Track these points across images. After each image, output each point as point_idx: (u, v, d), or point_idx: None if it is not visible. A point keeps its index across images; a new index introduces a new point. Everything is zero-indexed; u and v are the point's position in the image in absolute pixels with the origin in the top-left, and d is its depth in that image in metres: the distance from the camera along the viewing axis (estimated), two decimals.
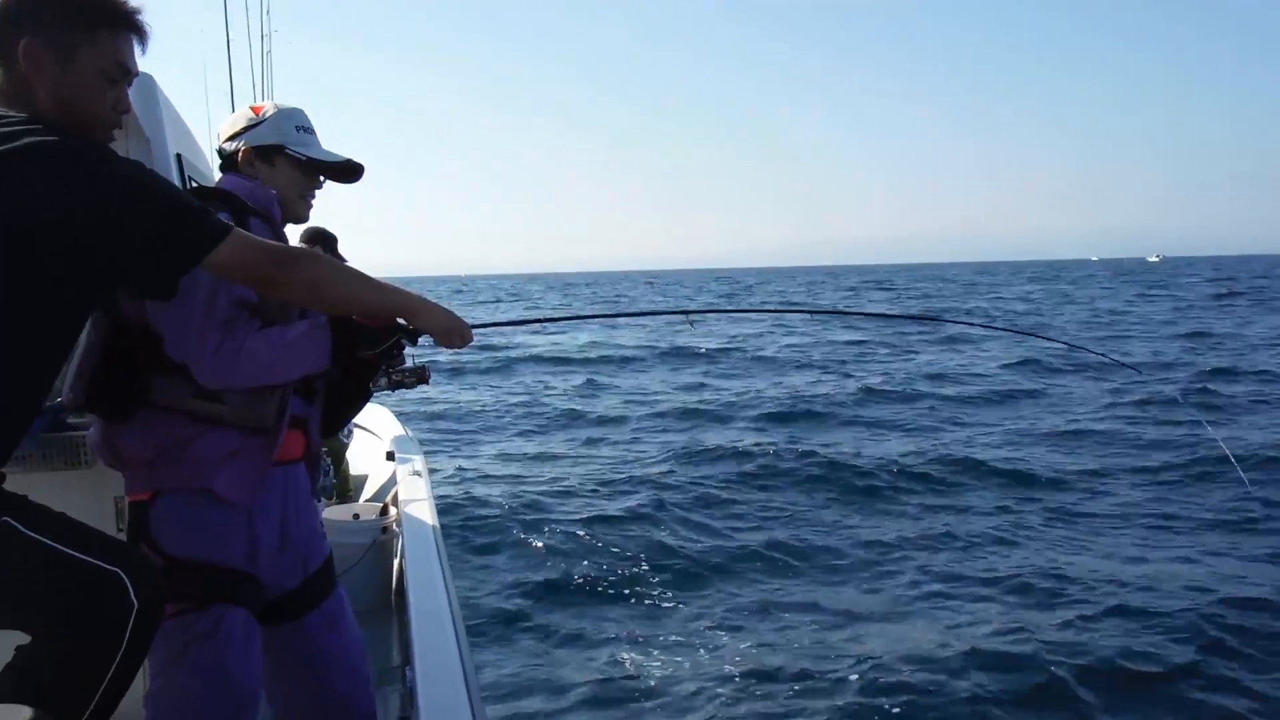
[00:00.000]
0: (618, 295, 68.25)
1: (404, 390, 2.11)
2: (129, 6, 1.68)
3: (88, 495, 2.35)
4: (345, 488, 5.08)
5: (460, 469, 10.02)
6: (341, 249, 4.54)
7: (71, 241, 1.50)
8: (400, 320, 1.97)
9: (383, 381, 2.03)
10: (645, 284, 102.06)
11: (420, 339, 2.01)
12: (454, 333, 1.96)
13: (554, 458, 11.06)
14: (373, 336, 1.97)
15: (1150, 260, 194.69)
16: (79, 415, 2.25)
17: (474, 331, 2.01)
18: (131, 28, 1.69)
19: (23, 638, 1.59)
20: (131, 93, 2.46)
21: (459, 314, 2.00)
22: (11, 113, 1.56)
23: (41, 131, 1.51)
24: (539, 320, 3.31)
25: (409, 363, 2.10)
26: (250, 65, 5.57)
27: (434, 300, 1.96)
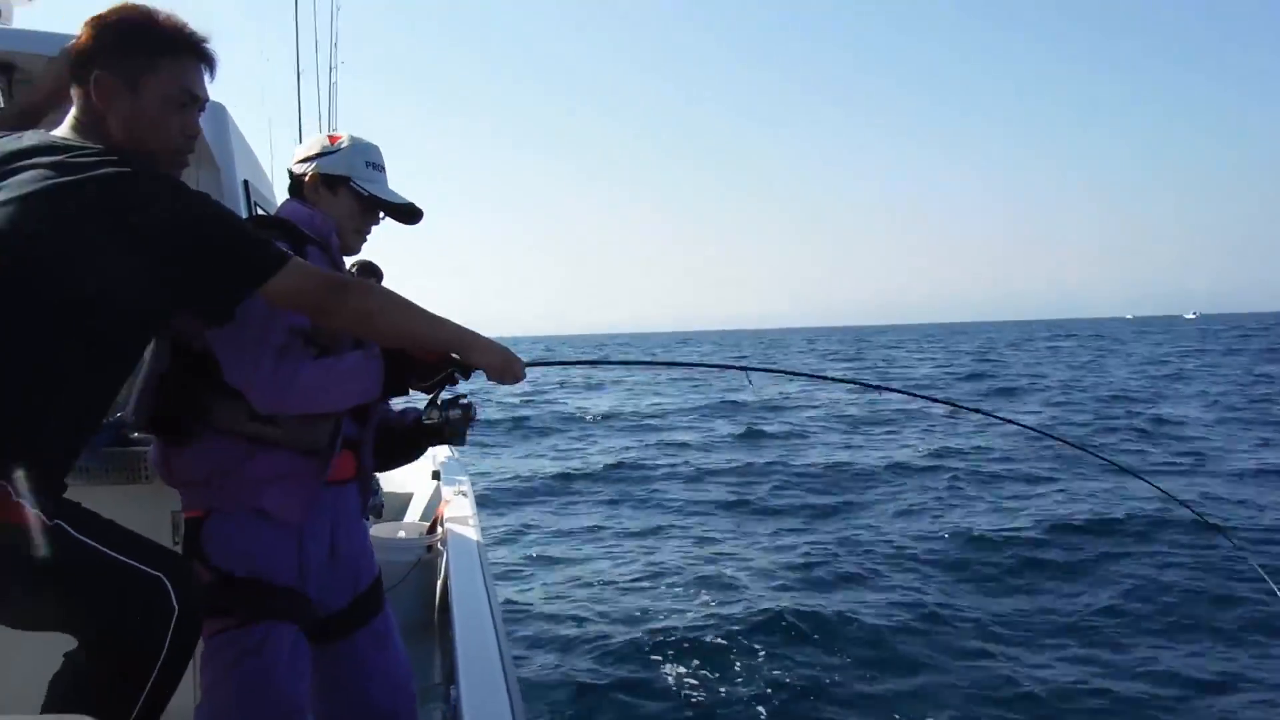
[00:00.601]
0: (651, 357, 65.73)
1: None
2: (192, 34, 1.75)
3: (146, 508, 2.41)
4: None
5: (512, 542, 9.11)
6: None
7: (132, 270, 1.56)
8: (453, 354, 1.99)
9: (432, 414, 2.06)
10: (678, 344, 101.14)
11: (472, 374, 2.02)
12: (506, 370, 1.97)
13: (609, 529, 10.02)
14: (424, 369, 1.99)
15: (1187, 318, 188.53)
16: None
17: (527, 369, 2.03)
18: (196, 54, 1.76)
19: (70, 644, 1.62)
20: (204, 121, 2.54)
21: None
22: (88, 144, 1.63)
23: (114, 163, 1.58)
24: (594, 362, 3.35)
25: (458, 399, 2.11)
26: (317, 96, 5.75)
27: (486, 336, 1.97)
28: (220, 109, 2.67)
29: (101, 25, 1.70)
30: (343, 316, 1.82)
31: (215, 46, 1.78)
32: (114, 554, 1.57)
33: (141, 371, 2.05)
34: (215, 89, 2.48)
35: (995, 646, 6.17)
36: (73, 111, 1.73)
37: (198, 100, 1.78)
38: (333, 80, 5.87)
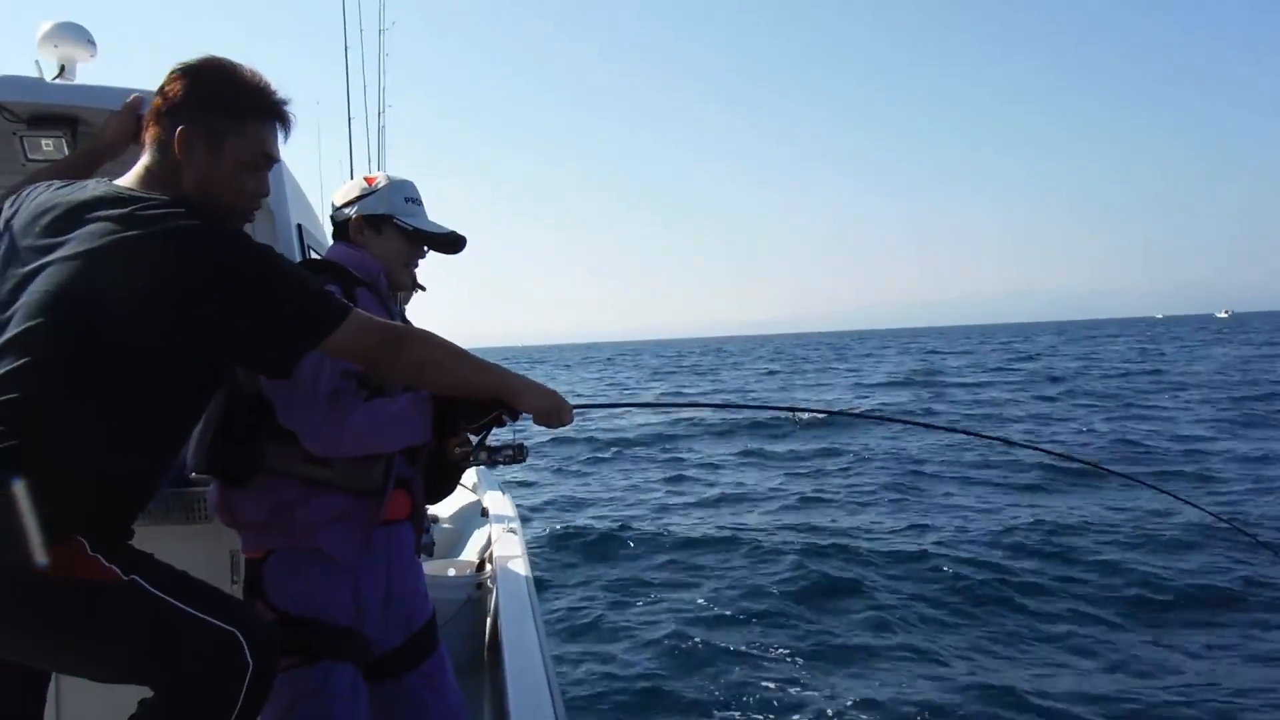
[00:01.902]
0: (693, 365, 63.04)
1: (505, 467, 2.11)
2: (278, 98, 1.78)
3: (206, 548, 2.45)
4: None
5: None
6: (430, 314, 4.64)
7: (199, 323, 1.57)
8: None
9: (482, 456, 2.08)
10: (715, 351, 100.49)
11: (520, 416, 2.02)
12: (554, 414, 1.99)
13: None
14: (473, 411, 2.01)
15: (1219, 316, 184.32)
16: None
17: (574, 412, 2.03)
18: (278, 118, 1.79)
19: (121, 694, 1.62)
20: None
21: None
22: (153, 195, 1.64)
23: (183, 215, 1.59)
24: (643, 405, 3.34)
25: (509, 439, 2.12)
26: (366, 136, 5.92)
27: (537, 380, 2.00)
28: None
29: (191, 78, 1.72)
30: (398, 368, 1.83)
31: (292, 106, 1.80)
32: (189, 609, 1.57)
33: (202, 417, 2.09)
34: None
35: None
36: (144, 160, 1.74)
37: (271, 161, 1.81)
38: (381, 124, 6.07)
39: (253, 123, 1.75)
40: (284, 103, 1.79)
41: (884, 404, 24.83)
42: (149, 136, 1.74)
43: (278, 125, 1.80)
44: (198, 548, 2.43)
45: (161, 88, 1.73)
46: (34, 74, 2.53)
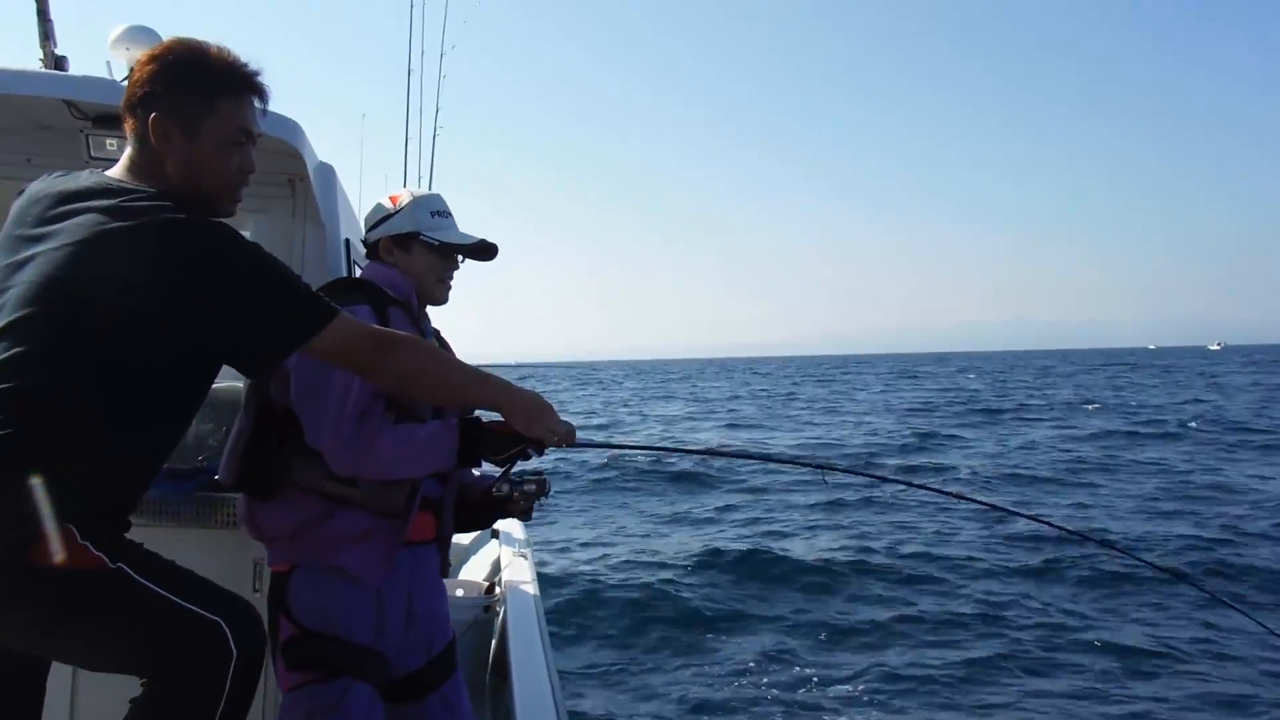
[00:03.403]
0: (693, 387, 62.85)
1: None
2: (246, 71, 1.73)
3: (231, 553, 2.46)
4: None
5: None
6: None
7: (183, 318, 1.56)
8: (498, 413, 1.95)
9: (505, 489, 2.08)
10: (724, 376, 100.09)
11: (546, 451, 2.01)
12: (560, 430, 1.95)
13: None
14: (497, 443, 1.99)
15: (1212, 348, 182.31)
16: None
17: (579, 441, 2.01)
18: (251, 90, 1.74)
19: (134, 690, 1.62)
20: (314, 182, 2.64)
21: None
22: (143, 187, 1.63)
23: (169, 209, 1.57)
24: (652, 448, 3.32)
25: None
26: (419, 156, 5.99)
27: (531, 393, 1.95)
28: (329, 170, 2.75)
29: (156, 66, 1.68)
30: (387, 374, 1.80)
31: (265, 77, 1.76)
32: (174, 598, 1.57)
33: (233, 430, 2.12)
34: (320, 146, 2.53)
35: None
36: (128, 152, 1.71)
37: (254, 137, 1.77)
38: (433, 147, 6.15)
39: (224, 100, 1.70)
40: (255, 74, 1.74)
41: None
42: (127, 129, 1.72)
43: (253, 99, 1.75)
44: (222, 553, 2.44)
45: (130, 78, 1.71)
46: (105, 75, 2.58)
